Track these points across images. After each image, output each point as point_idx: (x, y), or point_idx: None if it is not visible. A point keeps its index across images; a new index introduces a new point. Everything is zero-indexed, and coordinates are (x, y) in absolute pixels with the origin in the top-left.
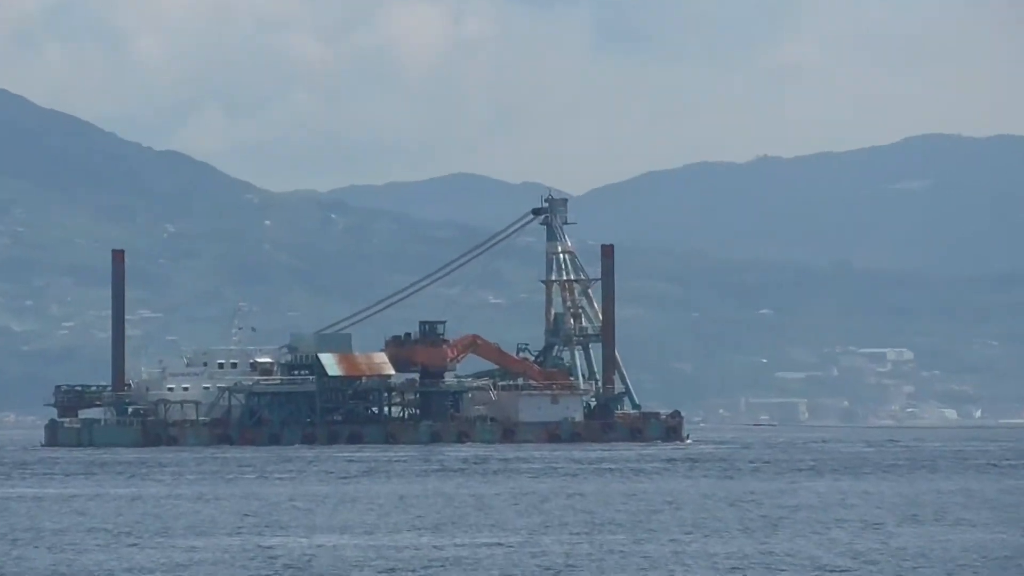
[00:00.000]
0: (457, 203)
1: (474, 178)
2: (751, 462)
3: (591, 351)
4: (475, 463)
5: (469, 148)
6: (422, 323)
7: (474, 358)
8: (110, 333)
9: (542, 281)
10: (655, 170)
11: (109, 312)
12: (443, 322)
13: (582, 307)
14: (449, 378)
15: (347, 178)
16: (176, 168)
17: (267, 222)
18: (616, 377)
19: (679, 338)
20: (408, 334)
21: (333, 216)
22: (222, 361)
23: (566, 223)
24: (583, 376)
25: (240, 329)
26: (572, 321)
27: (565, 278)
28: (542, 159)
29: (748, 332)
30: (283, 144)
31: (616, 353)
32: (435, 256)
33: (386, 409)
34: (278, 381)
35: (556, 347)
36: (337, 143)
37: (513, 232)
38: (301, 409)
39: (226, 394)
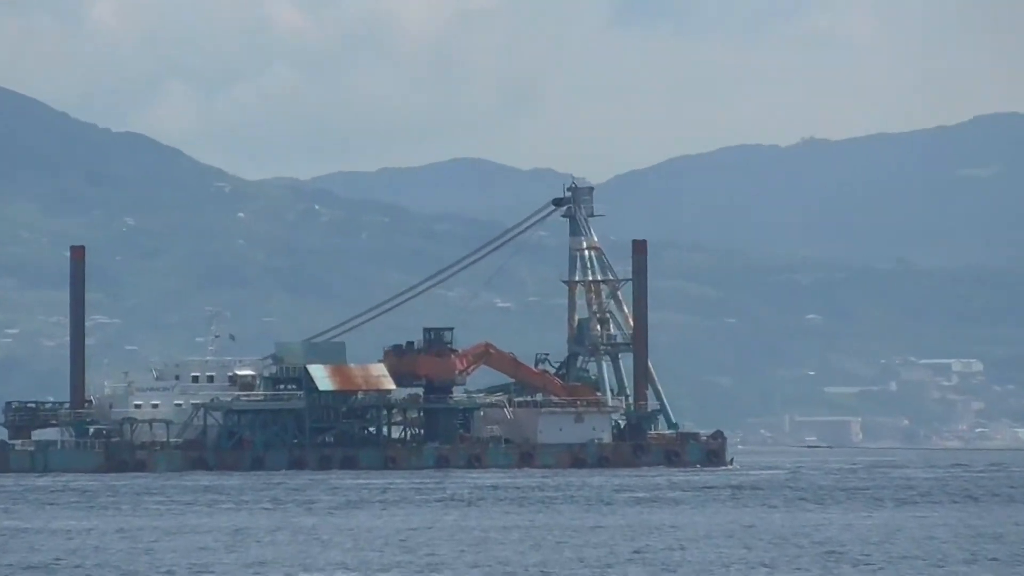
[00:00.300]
0: (460, 192)
1: (479, 164)
2: (822, 489)
3: (620, 362)
4: (488, 490)
5: (473, 130)
6: (427, 330)
7: (486, 370)
8: (62, 341)
9: (564, 281)
10: (684, 155)
11: (60, 318)
12: (450, 329)
13: (610, 311)
14: (458, 393)
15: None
16: (137, 153)
17: (241, 214)
18: (649, 392)
19: (714, 347)
20: (410, 343)
21: (317, 207)
22: (196, 374)
23: (591, 215)
24: (611, 391)
25: (217, 337)
26: (599, 327)
27: (591, 278)
28: (556, 143)
29: (793, 341)
30: (260, 126)
31: (650, 364)
32: (435, 253)
33: (385, 429)
34: (261, 397)
35: (581, 357)
36: (322, 124)
37: (531, 226)
38: (288, 429)
39: (201, 412)
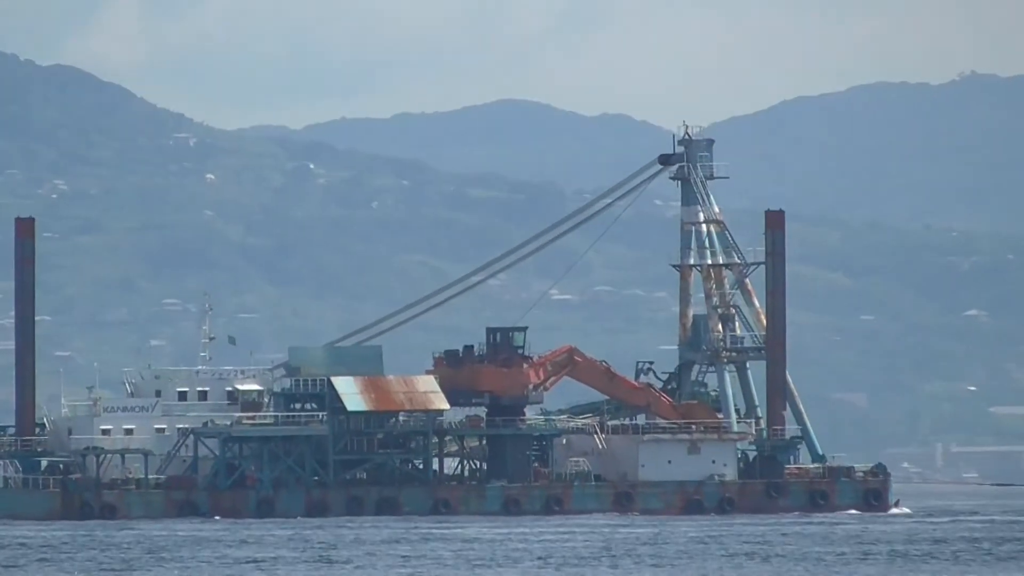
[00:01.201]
0: (502, 146)
1: (527, 108)
2: None
3: (749, 373)
4: (577, 544)
5: (520, 64)
6: (491, 331)
7: (569, 384)
8: (5, 347)
9: (675, 266)
10: (803, 96)
11: None
12: (523, 329)
13: (736, 306)
14: (532, 415)
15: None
16: (70, 92)
17: (210, 176)
18: (788, 413)
19: (844, 354)
20: (469, 347)
21: (312, 166)
22: (184, 389)
23: (711, 177)
24: (738, 412)
25: (212, 339)
26: (721, 328)
27: (711, 261)
28: (626, 80)
29: (949, 345)
30: (235, 56)
31: (788, 377)
32: (468, 226)
33: (436, 463)
34: (270, 420)
35: (697, 367)
36: (317, 58)
37: (626, 194)
38: (306, 462)
39: (190, 439)
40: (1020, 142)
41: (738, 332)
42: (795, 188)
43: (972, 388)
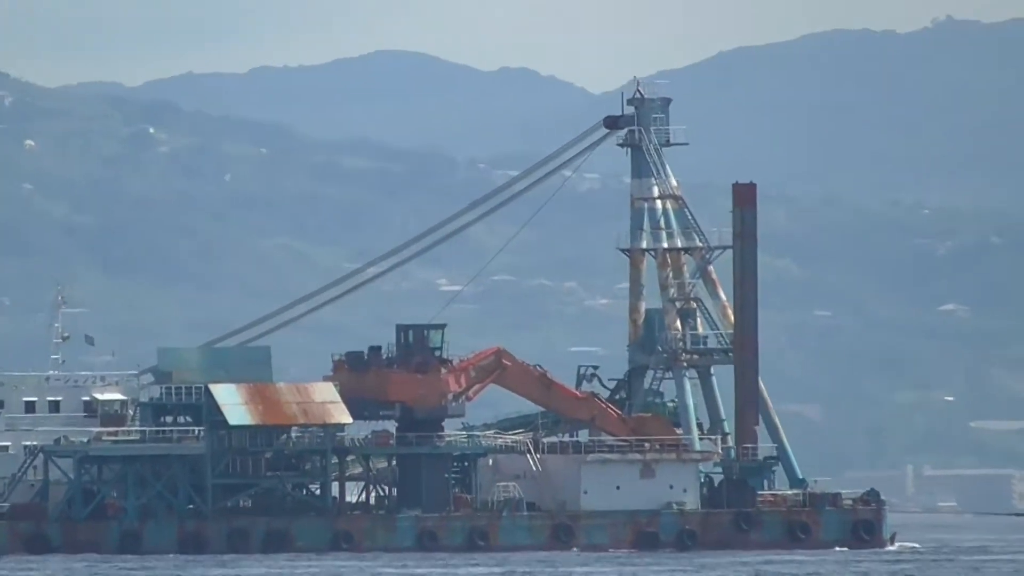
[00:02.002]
0: (378, 106)
1: (413, 61)
2: None
3: (714, 380)
4: None
5: (398, 10)
6: (402, 329)
7: (497, 393)
8: None
9: (623, 251)
10: (745, 46)
11: None
12: (442, 327)
13: (698, 299)
14: (452, 430)
15: (177, 63)
16: None
17: (30, 142)
18: (761, 428)
19: (796, 356)
20: (376, 348)
21: (152, 131)
22: (31, 398)
23: (667, 144)
24: (700, 426)
25: (66, 338)
26: (680, 325)
27: (667, 245)
28: (528, 29)
29: (922, 346)
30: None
31: (762, 384)
32: (339, 200)
33: (336, 488)
34: (136, 436)
35: (651, 373)
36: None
37: (566, 162)
38: (179, 488)
39: (39, 459)
40: (1006, 101)
41: (700, 330)
42: (733, 156)
43: (949, 399)
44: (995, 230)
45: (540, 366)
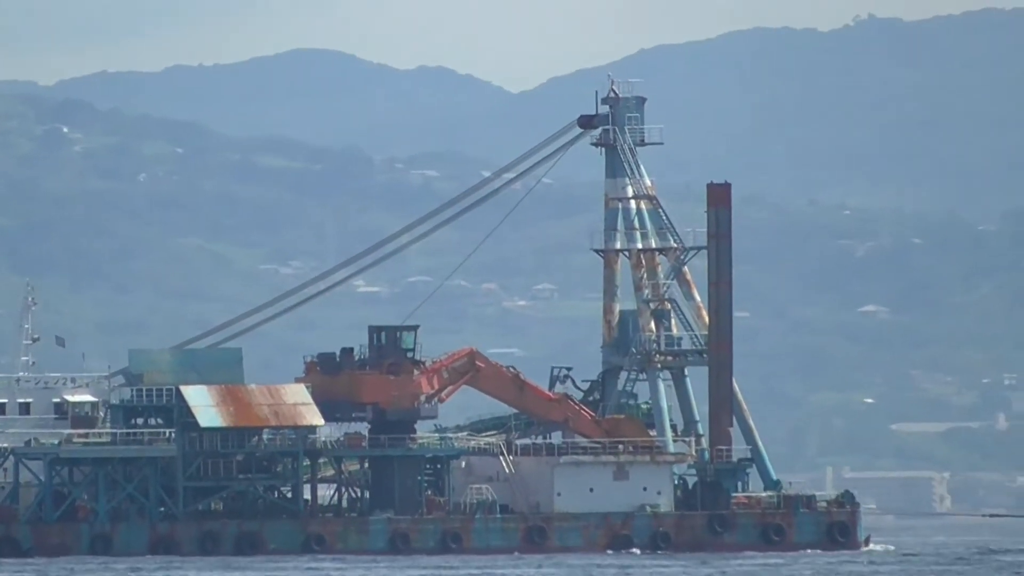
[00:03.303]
0: (296, 105)
1: (326, 59)
2: None
3: (688, 381)
4: None
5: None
6: (375, 329)
7: (469, 394)
8: None
9: (598, 251)
10: (663, 44)
11: None
12: (414, 328)
13: (672, 300)
14: (425, 432)
15: (92, 61)
16: None
17: None
18: (735, 430)
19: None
20: (348, 350)
21: (66, 130)
22: (1, 401)
23: (642, 144)
24: (674, 428)
25: (36, 340)
26: (655, 326)
27: (642, 245)
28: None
29: (841, 347)
30: None
31: (736, 386)
32: (261, 203)
33: (308, 490)
34: (106, 438)
35: (624, 374)
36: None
37: (534, 166)
38: (150, 490)
39: (9, 461)
40: (928, 100)
41: (674, 331)
42: (651, 155)
43: (869, 400)
44: (915, 231)
45: (513, 367)
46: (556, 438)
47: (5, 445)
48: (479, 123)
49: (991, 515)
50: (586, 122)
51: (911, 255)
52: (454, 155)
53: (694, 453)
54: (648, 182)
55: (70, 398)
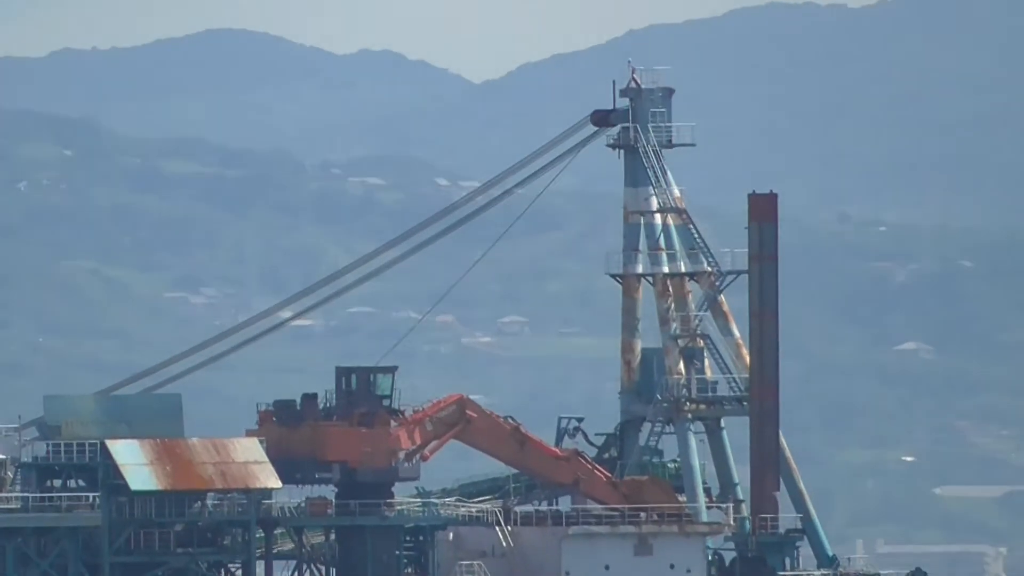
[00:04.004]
0: (208, 99)
1: (245, 42)
2: None
3: (724, 435)
4: None
5: None
6: (343, 371)
7: (457, 451)
8: None
9: (614, 276)
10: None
11: None
12: (392, 369)
13: (706, 336)
14: (405, 496)
15: None
16: None
17: None
18: (782, 494)
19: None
20: (311, 396)
21: None
22: None
23: (669, 145)
24: (708, 492)
25: None
26: (684, 368)
27: (669, 269)
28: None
29: (875, 393)
30: None
31: (783, 440)
32: (167, 218)
33: (262, 568)
34: (16, 504)
35: (648, 426)
36: None
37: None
38: (69, 567)
39: None
40: (981, 93)
41: (708, 374)
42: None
43: (908, 459)
44: (965, 252)
45: (513, 418)
46: (564, 504)
47: None
48: (434, 120)
49: None
50: (601, 119)
51: (960, 281)
52: (403, 159)
53: (732, 522)
54: (676, 192)
55: None
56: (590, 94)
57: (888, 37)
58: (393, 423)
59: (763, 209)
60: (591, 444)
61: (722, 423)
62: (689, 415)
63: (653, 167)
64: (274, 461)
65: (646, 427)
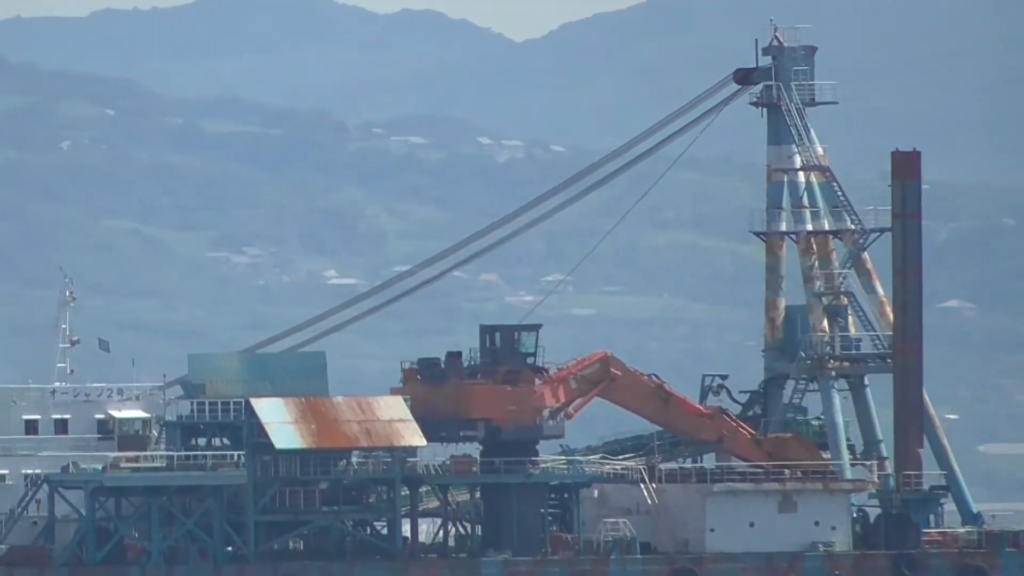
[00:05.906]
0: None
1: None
2: None
3: (868, 392)
4: None
5: None
6: (488, 329)
7: (602, 409)
8: None
9: (758, 234)
10: None
11: None
12: (536, 327)
13: (850, 293)
14: (550, 454)
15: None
16: None
17: None
18: (926, 451)
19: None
20: (455, 354)
21: None
22: (33, 416)
23: (812, 103)
24: (852, 449)
25: (75, 343)
26: (828, 325)
27: (812, 227)
28: None
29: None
30: None
31: (927, 398)
32: (208, 178)
33: (407, 526)
34: (161, 463)
35: (792, 384)
36: None
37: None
38: (214, 526)
39: (43, 491)
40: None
41: (852, 331)
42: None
43: (952, 417)
44: (1007, 210)
45: (657, 375)
46: (708, 461)
47: (38, 471)
48: (475, 80)
49: None
50: (743, 77)
51: (1002, 239)
52: (444, 119)
53: (876, 480)
54: (819, 150)
55: (117, 414)
56: (630, 53)
57: None
58: (537, 381)
59: (906, 166)
60: (735, 401)
61: (866, 380)
62: (833, 372)
63: (796, 125)
64: (418, 419)
65: (789, 385)
